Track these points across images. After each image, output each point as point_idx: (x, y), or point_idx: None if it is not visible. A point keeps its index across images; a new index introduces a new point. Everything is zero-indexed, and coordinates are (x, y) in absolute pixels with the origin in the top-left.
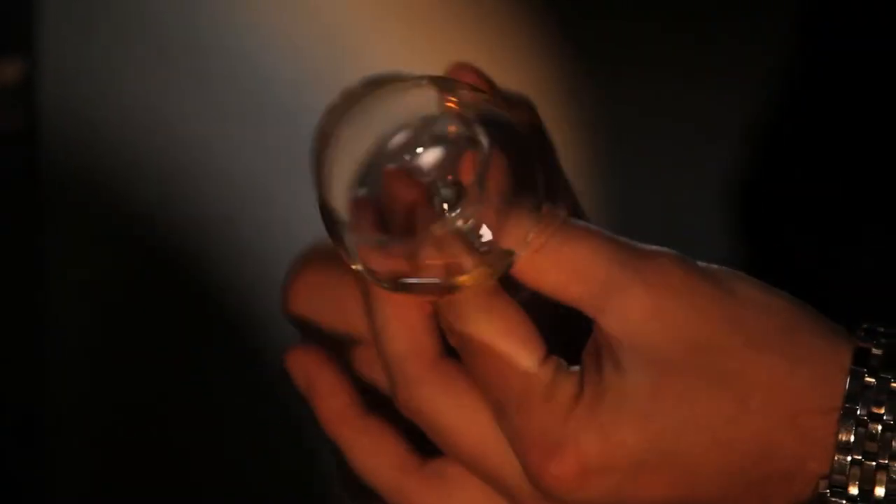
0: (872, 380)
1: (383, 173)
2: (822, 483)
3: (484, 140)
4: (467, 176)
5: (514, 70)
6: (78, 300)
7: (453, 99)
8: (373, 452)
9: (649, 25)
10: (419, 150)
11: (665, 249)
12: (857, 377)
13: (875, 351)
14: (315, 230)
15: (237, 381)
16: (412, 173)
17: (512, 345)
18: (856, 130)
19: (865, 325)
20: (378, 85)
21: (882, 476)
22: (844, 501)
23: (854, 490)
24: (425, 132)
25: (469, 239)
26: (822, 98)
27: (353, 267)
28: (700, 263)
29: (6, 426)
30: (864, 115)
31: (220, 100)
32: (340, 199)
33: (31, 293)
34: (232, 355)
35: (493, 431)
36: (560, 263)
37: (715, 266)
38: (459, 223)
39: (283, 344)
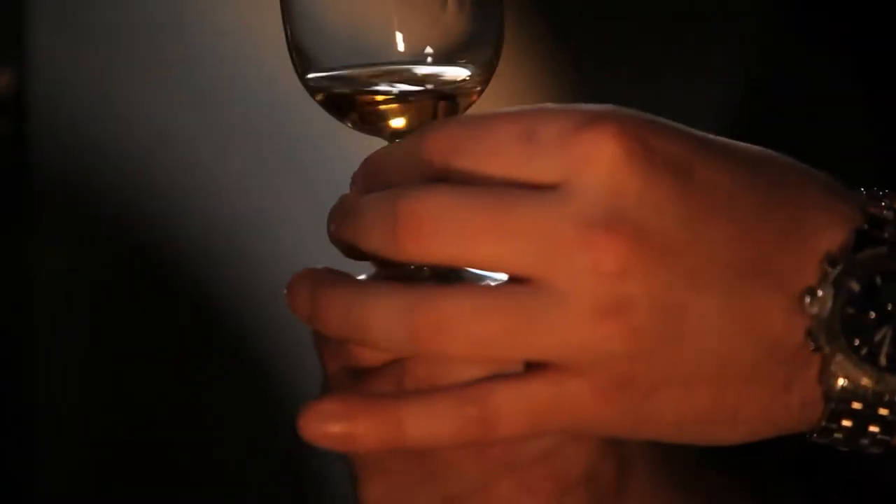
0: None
1: None
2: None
3: None
4: None
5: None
6: (69, 306)
7: None
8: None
9: (646, 37)
10: None
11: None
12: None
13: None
14: (309, 236)
15: (230, 385)
16: None
17: None
18: (854, 138)
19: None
20: None
21: None
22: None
23: None
24: None
25: None
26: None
27: None
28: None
29: None
30: (864, 123)
31: (211, 107)
32: None
33: (22, 298)
34: (225, 360)
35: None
36: None
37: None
38: None
39: (278, 349)
